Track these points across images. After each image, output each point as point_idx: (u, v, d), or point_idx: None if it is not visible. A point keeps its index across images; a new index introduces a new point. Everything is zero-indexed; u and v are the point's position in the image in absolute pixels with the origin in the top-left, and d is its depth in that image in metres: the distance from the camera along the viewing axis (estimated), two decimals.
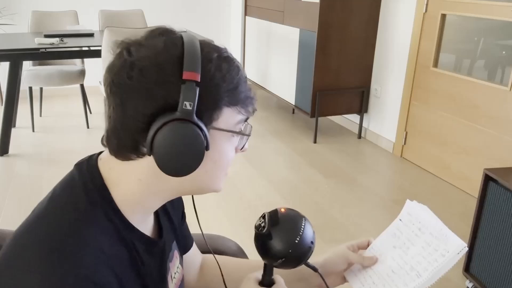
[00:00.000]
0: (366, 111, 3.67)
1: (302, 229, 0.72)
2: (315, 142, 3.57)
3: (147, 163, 0.61)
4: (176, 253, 0.83)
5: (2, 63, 4.02)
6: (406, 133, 3.28)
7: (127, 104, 0.59)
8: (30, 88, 3.61)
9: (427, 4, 2.97)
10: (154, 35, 0.62)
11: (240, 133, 0.67)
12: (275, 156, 3.30)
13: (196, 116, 0.59)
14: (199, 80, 0.58)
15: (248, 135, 0.69)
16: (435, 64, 2.98)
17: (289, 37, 3.74)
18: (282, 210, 0.74)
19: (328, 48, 3.35)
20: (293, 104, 3.75)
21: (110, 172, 0.65)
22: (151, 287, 0.69)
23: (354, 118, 3.84)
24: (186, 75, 0.58)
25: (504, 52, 2.56)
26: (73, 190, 0.63)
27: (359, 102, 3.61)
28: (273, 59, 4.10)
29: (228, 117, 0.64)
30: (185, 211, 0.90)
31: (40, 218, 0.61)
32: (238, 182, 2.84)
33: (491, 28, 2.63)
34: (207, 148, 0.61)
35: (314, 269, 0.78)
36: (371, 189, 2.82)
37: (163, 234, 0.76)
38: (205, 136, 0.60)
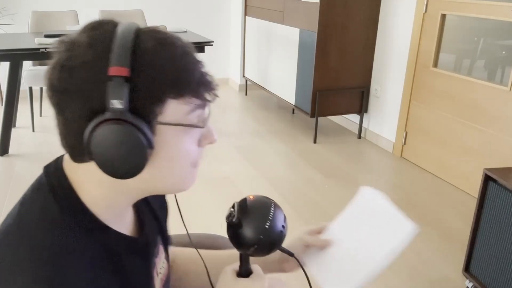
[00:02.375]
0: (366, 111, 3.67)
1: (271, 214, 0.72)
2: (315, 142, 3.57)
3: None
4: (161, 248, 0.81)
5: (2, 63, 4.02)
6: (406, 133, 3.28)
7: (64, 108, 0.56)
8: (30, 88, 3.61)
9: (427, 4, 2.97)
10: (84, 30, 0.58)
11: (190, 125, 0.60)
12: (275, 156, 3.30)
13: (135, 113, 0.55)
14: (128, 75, 0.54)
15: (200, 127, 0.62)
16: (435, 64, 2.98)
17: (289, 37, 3.74)
18: (251, 197, 0.74)
19: (328, 48, 3.35)
20: (293, 104, 3.75)
21: (74, 173, 0.62)
22: (135, 285, 0.67)
23: (354, 118, 3.84)
24: (112, 71, 0.54)
25: (504, 52, 2.56)
26: (43, 197, 0.61)
27: (359, 102, 3.61)
28: (273, 59, 4.10)
29: (175, 109, 0.58)
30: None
31: (14, 232, 0.58)
32: (238, 182, 2.84)
33: (491, 28, 2.63)
34: (150, 146, 0.56)
35: (290, 253, 0.78)
36: None
37: (144, 229, 0.73)
38: (144, 134, 0.55)
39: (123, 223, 0.69)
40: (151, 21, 4.45)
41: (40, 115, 4.01)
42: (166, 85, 0.57)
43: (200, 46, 3.48)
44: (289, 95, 3.81)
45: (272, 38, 4.07)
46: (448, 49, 2.93)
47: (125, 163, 0.56)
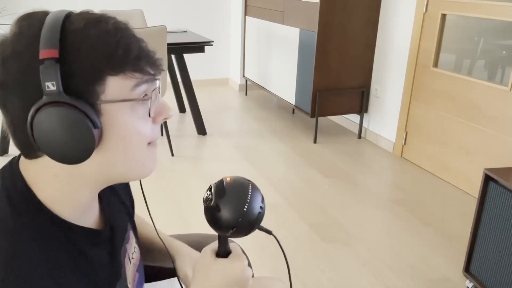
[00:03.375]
0: (366, 111, 3.67)
1: (249, 196, 0.71)
2: (315, 142, 3.57)
3: None
4: (131, 234, 0.81)
5: None
6: (406, 133, 3.28)
7: (6, 102, 0.56)
8: None
9: (427, 4, 2.97)
10: (15, 22, 0.57)
11: (136, 99, 0.58)
12: (275, 156, 3.30)
13: (75, 95, 0.54)
14: (57, 56, 0.53)
15: (147, 99, 0.60)
16: (435, 64, 2.98)
17: (289, 37, 3.74)
18: (228, 179, 0.72)
19: (328, 48, 3.35)
20: (293, 104, 3.75)
21: (29, 172, 0.60)
22: (102, 279, 0.66)
23: (354, 118, 3.84)
24: (42, 54, 0.53)
25: (504, 52, 2.56)
26: None
27: (359, 102, 3.61)
28: (273, 59, 4.10)
29: (117, 85, 0.57)
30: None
31: None
32: None
33: (491, 28, 2.63)
34: (95, 126, 0.55)
35: (268, 232, 0.77)
36: (371, 189, 2.82)
37: (107, 220, 0.72)
38: (85, 113, 0.54)
39: (87, 216, 0.67)
40: (151, 21, 4.45)
41: None
42: (101, 62, 0.55)
43: (200, 46, 3.48)
44: (289, 95, 3.81)
45: (272, 38, 4.07)
46: (448, 49, 2.93)
47: (73, 147, 0.55)
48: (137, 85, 0.58)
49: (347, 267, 2.05)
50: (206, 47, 3.54)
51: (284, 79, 3.90)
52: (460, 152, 2.83)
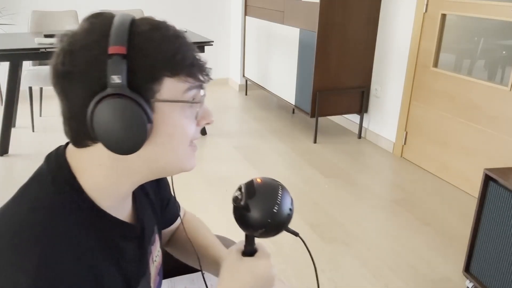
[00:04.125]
0: (366, 111, 3.67)
1: (279, 197, 0.72)
2: (315, 142, 3.57)
3: (102, 146, 0.60)
4: (157, 237, 0.83)
5: (2, 63, 4.02)
6: (406, 133, 3.28)
7: (68, 91, 0.59)
8: (30, 88, 3.61)
9: (427, 4, 2.97)
10: (85, 19, 0.62)
11: (187, 101, 0.63)
12: (275, 156, 3.30)
13: (133, 90, 0.58)
14: (125, 52, 0.57)
15: (197, 102, 0.65)
16: (435, 64, 2.98)
17: (289, 37, 3.74)
18: (258, 180, 0.74)
19: (328, 48, 3.35)
20: (293, 104, 3.75)
21: (75, 160, 0.64)
22: (130, 271, 0.68)
23: (354, 118, 3.84)
24: (111, 49, 0.57)
25: (504, 52, 2.56)
26: (40, 181, 0.63)
27: (359, 102, 3.61)
28: (273, 59, 4.10)
29: (172, 87, 0.61)
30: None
31: (7, 214, 0.59)
32: (238, 182, 2.83)
33: (491, 28, 2.63)
34: (149, 120, 0.59)
35: (295, 233, 0.78)
36: (371, 189, 2.82)
37: (138, 217, 0.75)
38: (143, 108, 0.58)
39: (122, 210, 0.70)
40: None
41: (40, 115, 4.01)
42: (162, 63, 0.60)
43: (200, 46, 3.48)
44: (289, 95, 3.81)
45: (272, 38, 4.07)
46: (448, 49, 2.93)
47: (127, 138, 0.58)
48: (189, 89, 0.63)
49: (347, 267, 2.05)
50: (206, 47, 3.54)
51: (284, 79, 3.90)
52: (460, 152, 2.83)
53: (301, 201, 2.65)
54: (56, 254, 0.55)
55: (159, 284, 0.85)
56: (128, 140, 0.59)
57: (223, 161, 3.17)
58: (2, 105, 4.18)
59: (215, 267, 0.91)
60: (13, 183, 2.75)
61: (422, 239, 2.29)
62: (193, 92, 0.64)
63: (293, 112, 4.34)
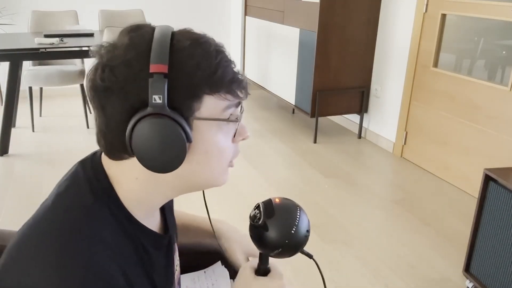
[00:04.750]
0: (366, 111, 3.67)
1: (297, 219, 0.72)
2: (315, 142, 3.57)
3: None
4: (176, 245, 0.83)
5: (2, 63, 4.02)
6: (406, 133, 3.28)
7: (106, 106, 0.59)
8: (30, 88, 3.61)
9: (427, 4, 2.97)
10: (124, 33, 0.61)
11: (227, 120, 0.63)
12: (275, 156, 3.30)
13: (173, 109, 0.57)
14: (166, 72, 0.57)
15: (236, 121, 0.65)
16: (435, 64, 2.98)
17: (289, 37, 3.74)
18: (277, 200, 0.74)
19: (328, 48, 3.35)
20: (293, 104, 3.75)
21: (112, 171, 0.64)
22: (158, 280, 0.69)
23: (354, 118, 3.84)
24: (152, 68, 0.57)
25: (504, 52, 2.56)
26: (78, 188, 0.63)
27: (359, 102, 3.61)
28: (273, 59, 4.10)
29: (211, 105, 0.61)
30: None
31: (47, 218, 0.60)
32: (238, 182, 2.84)
33: (491, 28, 2.63)
34: (188, 140, 0.59)
35: (309, 255, 0.78)
36: (371, 189, 2.82)
37: (169, 228, 0.76)
38: (183, 128, 0.58)
39: (153, 220, 0.71)
40: (151, 21, 4.43)
41: (40, 115, 4.01)
42: (202, 81, 0.59)
43: None
44: (289, 95, 3.81)
45: (272, 38, 4.07)
46: (448, 49, 2.93)
47: (165, 157, 0.58)
48: (228, 107, 0.63)
49: (347, 267, 2.05)
50: None
51: (284, 79, 3.90)
52: (460, 152, 2.83)
53: (301, 201, 2.64)
54: (99, 262, 0.56)
55: None
56: (167, 160, 0.58)
57: None
58: (2, 105, 4.18)
59: (207, 235, 0.95)
60: (13, 183, 2.75)
61: (422, 239, 2.29)
62: (232, 110, 0.64)
63: (293, 112, 4.34)
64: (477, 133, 2.69)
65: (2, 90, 4.30)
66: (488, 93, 2.60)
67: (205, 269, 1.01)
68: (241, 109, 0.66)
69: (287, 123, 4.04)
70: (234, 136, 0.67)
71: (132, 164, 0.61)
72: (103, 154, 0.66)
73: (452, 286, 1.96)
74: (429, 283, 1.97)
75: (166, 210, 0.78)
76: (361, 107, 3.62)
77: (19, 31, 4.13)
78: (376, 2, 3.38)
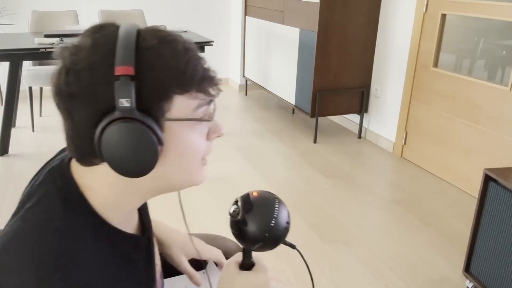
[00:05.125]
0: (366, 111, 3.67)
1: (276, 211, 0.72)
2: (315, 142, 3.57)
3: None
4: (155, 240, 0.82)
5: (2, 63, 4.02)
6: (406, 133, 3.28)
7: (73, 111, 0.57)
8: (30, 88, 3.61)
9: (427, 4, 2.97)
10: (87, 34, 0.59)
11: (199, 119, 0.62)
12: (275, 156, 3.30)
13: (142, 111, 0.55)
14: (133, 73, 0.54)
15: (209, 120, 0.64)
16: (435, 64, 2.98)
17: (289, 37, 3.74)
18: (255, 194, 0.74)
19: (328, 48, 3.35)
20: (293, 104, 3.75)
21: (83, 178, 0.62)
22: (141, 282, 0.68)
23: (354, 118, 3.84)
24: (118, 70, 0.54)
25: (504, 52, 2.56)
26: (48, 200, 0.60)
27: (359, 102, 3.61)
28: (273, 59, 4.10)
29: (182, 105, 0.59)
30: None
31: (18, 238, 0.56)
32: (238, 182, 2.84)
33: (491, 28, 2.63)
34: (160, 142, 0.57)
35: (292, 246, 0.78)
36: (371, 189, 2.82)
37: (146, 228, 0.75)
38: (153, 131, 0.56)
39: (130, 222, 0.70)
40: (151, 21, 4.45)
41: (40, 115, 4.01)
42: (171, 81, 0.57)
43: (200, 46, 3.48)
44: (289, 95, 3.81)
45: (272, 38, 4.07)
46: (448, 49, 2.93)
47: (137, 162, 0.57)
48: (200, 105, 0.61)
49: (347, 267, 2.05)
50: (206, 47, 3.54)
51: (284, 79, 3.90)
52: (460, 152, 2.83)
53: (301, 201, 2.65)
54: (78, 277, 0.54)
55: (162, 286, 0.86)
56: (139, 164, 0.57)
57: (223, 161, 3.17)
58: (2, 105, 4.18)
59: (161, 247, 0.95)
60: (13, 183, 2.75)
61: (422, 239, 2.29)
62: (204, 108, 0.62)
63: (293, 112, 4.34)
64: (477, 133, 2.69)
65: (2, 90, 4.30)
66: (488, 93, 2.60)
67: (203, 270, 1.01)
68: (214, 106, 0.65)
69: (287, 123, 4.04)
70: (208, 134, 0.66)
71: (104, 170, 0.59)
72: (73, 161, 0.64)
73: (452, 286, 1.96)
74: (429, 283, 1.97)
75: (142, 210, 0.77)
76: (361, 107, 3.62)
77: (19, 31, 4.13)
78: (376, 2, 3.38)
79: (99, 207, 0.61)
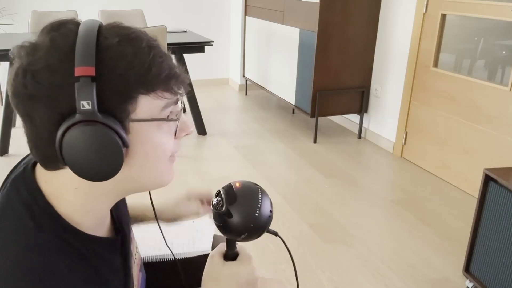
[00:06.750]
0: (366, 111, 3.67)
1: (259, 201, 0.72)
2: (315, 142, 3.57)
3: None
4: (132, 234, 0.81)
5: (2, 63, 4.02)
6: (406, 133, 3.28)
7: (32, 114, 0.54)
8: None
9: (427, 4, 2.97)
10: (45, 32, 0.55)
11: (166, 119, 0.59)
12: (275, 156, 3.30)
13: (105, 113, 0.53)
14: (93, 74, 0.52)
15: (175, 120, 0.61)
16: (435, 64, 2.98)
17: (289, 37, 3.74)
18: (237, 184, 0.74)
19: (328, 48, 3.35)
20: (293, 104, 3.75)
21: (48, 185, 0.59)
22: (119, 282, 0.67)
23: (354, 118, 3.84)
24: (78, 71, 0.51)
25: (504, 52, 2.56)
26: (14, 213, 0.57)
27: (359, 102, 3.61)
28: (273, 59, 4.10)
29: (148, 105, 0.57)
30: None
31: None
32: None
33: (491, 28, 2.63)
34: (124, 145, 0.55)
35: (275, 233, 0.79)
36: (371, 189, 2.82)
37: (119, 228, 0.73)
38: (117, 133, 0.54)
39: (103, 226, 0.68)
40: (151, 21, 4.45)
41: None
42: (135, 81, 0.55)
43: (200, 46, 3.48)
44: (289, 95, 3.81)
45: (272, 38, 4.07)
46: (448, 49, 2.93)
47: (101, 165, 0.54)
48: (166, 105, 0.59)
49: (347, 267, 2.05)
50: (206, 47, 3.54)
51: (284, 79, 3.90)
52: (460, 152, 2.83)
53: (301, 201, 2.65)
54: None
55: (143, 279, 0.85)
56: (103, 167, 0.54)
57: (223, 161, 3.17)
58: (2, 105, 4.18)
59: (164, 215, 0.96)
60: None
61: (422, 239, 2.29)
62: (170, 107, 0.60)
63: (293, 112, 4.34)
64: (477, 133, 2.69)
65: (2, 90, 4.30)
66: (488, 93, 2.60)
67: (194, 219, 1.01)
68: (182, 104, 0.63)
69: (287, 123, 4.04)
70: (176, 133, 0.64)
71: (69, 174, 0.56)
72: (37, 167, 0.61)
73: (452, 286, 1.96)
74: (429, 283, 1.97)
75: (113, 207, 0.74)
76: (361, 107, 3.62)
77: (19, 31, 4.13)
78: (376, 2, 3.38)
79: (67, 214, 0.59)
